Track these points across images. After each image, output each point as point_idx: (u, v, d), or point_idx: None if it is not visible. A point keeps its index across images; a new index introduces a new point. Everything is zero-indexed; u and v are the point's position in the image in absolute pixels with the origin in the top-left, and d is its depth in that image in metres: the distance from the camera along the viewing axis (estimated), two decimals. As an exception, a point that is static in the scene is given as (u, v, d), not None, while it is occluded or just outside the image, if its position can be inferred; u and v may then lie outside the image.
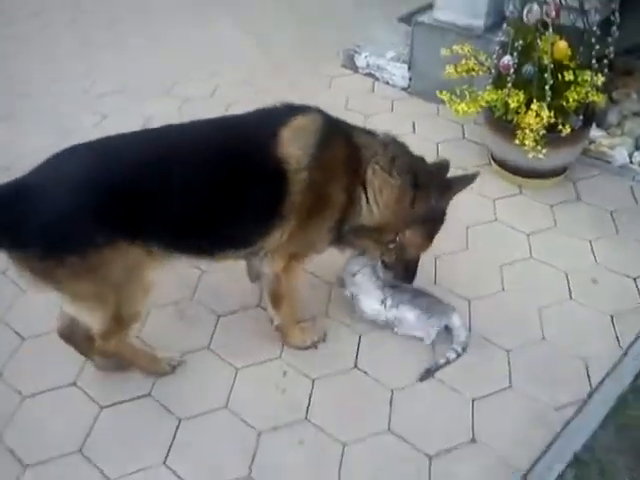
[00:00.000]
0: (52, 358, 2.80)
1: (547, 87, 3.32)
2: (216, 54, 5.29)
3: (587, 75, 3.41)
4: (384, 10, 5.34)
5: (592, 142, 3.91)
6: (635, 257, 3.28)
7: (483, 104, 3.58)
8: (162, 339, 2.90)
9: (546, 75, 3.33)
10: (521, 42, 3.40)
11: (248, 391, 2.72)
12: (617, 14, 3.45)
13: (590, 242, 3.37)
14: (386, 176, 2.57)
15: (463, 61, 3.70)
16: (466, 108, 3.59)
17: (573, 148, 3.65)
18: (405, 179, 2.59)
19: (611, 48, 3.47)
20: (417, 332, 2.85)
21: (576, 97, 3.38)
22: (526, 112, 3.37)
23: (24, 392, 2.71)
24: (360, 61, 4.88)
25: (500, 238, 3.43)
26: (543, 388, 2.67)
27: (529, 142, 3.31)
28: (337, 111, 2.69)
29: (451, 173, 2.73)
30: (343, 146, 2.56)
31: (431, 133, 4.20)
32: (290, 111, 2.55)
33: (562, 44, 3.39)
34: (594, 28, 3.42)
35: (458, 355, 2.79)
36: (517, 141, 3.35)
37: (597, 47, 3.41)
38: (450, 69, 3.71)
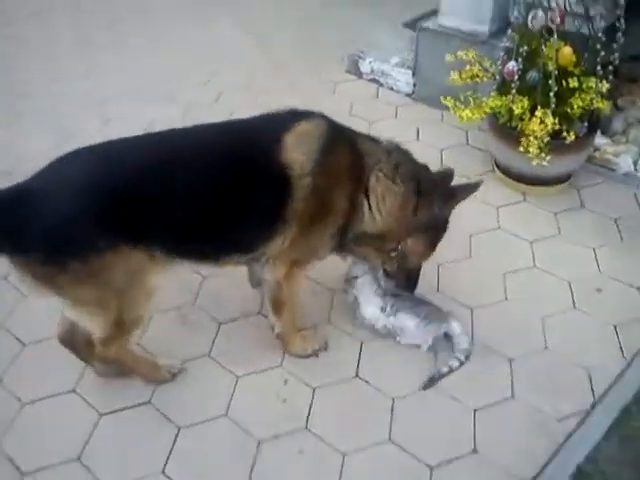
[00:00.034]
0: (52, 364, 2.79)
1: (552, 94, 3.30)
2: (217, 56, 5.29)
3: (592, 82, 3.40)
4: (389, 15, 5.33)
5: (597, 149, 3.89)
6: (639, 266, 3.25)
7: (487, 110, 3.56)
8: (163, 346, 2.88)
9: (551, 81, 3.31)
10: (526, 48, 3.39)
11: (248, 399, 2.70)
12: (622, 20, 3.41)
13: (594, 250, 3.34)
14: (389, 183, 2.56)
15: (467, 67, 3.68)
16: (470, 114, 3.57)
17: (577, 155, 3.63)
18: (408, 186, 2.58)
19: (616, 55, 3.44)
20: (417, 340, 2.83)
21: (581, 104, 3.36)
22: (530, 119, 3.35)
23: (24, 399, 2.70)
24: (364, 67, 4.87)
25: (503, 246, 3.41)
26: (546, 398, 2.64)
27: (533, 149, 3.29)
28: (341, 117, 2.68)
29: (455, 180, 2.71)
30: (347, 152, 2.55)
31: (435, 139, 4.18)
32: (294, 116, 2.54)
33: (567, 50, 3.38)
34: (599, 34, 3.40)
35: (461, 363, 2.77)
36: (521, 148, 3.33)
37: (602, 54, 3.39)
38: (454, 75, 3.69)
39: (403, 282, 2.83)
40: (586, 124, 3.50)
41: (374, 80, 4.83)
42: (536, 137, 3.28)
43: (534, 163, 3.34)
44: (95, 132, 4.18)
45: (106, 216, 2.21)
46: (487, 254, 3.36)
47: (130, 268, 2.33)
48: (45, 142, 4.02)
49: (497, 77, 3.63)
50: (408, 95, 4.67)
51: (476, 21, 4.15)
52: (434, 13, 4.42)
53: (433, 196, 2.58)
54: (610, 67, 3.44)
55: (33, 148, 3.94)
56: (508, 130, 3.53)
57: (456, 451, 2.50)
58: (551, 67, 3.33)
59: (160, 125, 2.60)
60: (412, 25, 4.69)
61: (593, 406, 2.61)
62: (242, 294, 3.12)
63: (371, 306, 2.88)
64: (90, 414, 2.64)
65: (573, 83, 3.38)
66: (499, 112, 3.56)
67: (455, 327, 2.82)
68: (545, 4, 3.36)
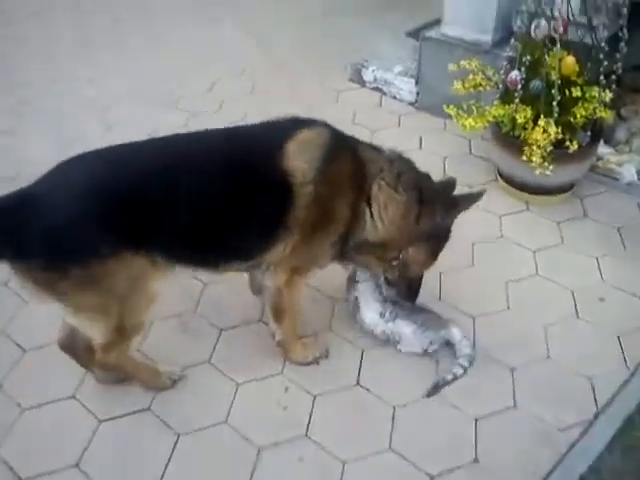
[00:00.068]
0: (52, 370, 2.78)
1: (554, 103, 3.30)
2: (218, 61, 5.32)
3: (595, 91, 3.39)
4: (391, 25, 5.34)
5: (600, 159, 3.88)
6: (642, 275, 3.25)
7: (490, 119, 3.56)
8: (163, 352, 2.87)
9: (554, 91, 3.31)
10: (529, 57, 3.39)
11: (249, 407, 2.69)
12: (625, 30, 3.43)
13: (597, 259, 3.33)
14: (391, 192, 2.55)
15: (470, 76, 3.69)
16: (473, 123, 3.57)
17: (580, 164, 3.62)
18: (411, 195, 2.57)
19: (619, 64, 3.45)
20: (416, 348, 2.82)
21: (584, 113, 3.36)
22: (533, 128, 3.35)
23: (23, 404, 2.68)
24: (367, 75, 4.88)
25: (506, 255, 3.40)
26: (548, 408, 2.62)
27: (536, 158, 3.28)
28: (344, 126, 2.68)
29: (457, 189, 2.70)
30: (349, 161, 2.55)
31: (438, 148, 4.18)
32: (296, 124, 2.54)
33: (570, 60, 3.38)
34: (602, 44, 3.40)
35: (465, 370, 2.75)
36: (524, 157, 3.32)
37: (605, 63, 3.39)
38: (458, 85, 3.70)
39: (404, 291, 2.82)
40: (589, 133, 3.50)
41: (377, 89, 4.84)
42: (539, 146, 3.28)
43: (537, 172, 3.33)
44: (97, 137, 4.20)
45: (109, 221, 2.20)
46: (490, 263, 3.34)
47: (132, 274, 2.32)
48: (47, 147, 4.02)
49: (500, 86, 3.63)
50: (411, 104, 4.68)
51: (479, 31, 4.16)
52: (437, 23, 4.43)
53: (435, 205, 2.58)
54: (613, 77, 3.44)
55: (36, 153, 3.95)
56: (511, 139, 3.53)
57: (457, 460, 2.47)
58: (554, 76, 3.33)
59: (163, 130, 2.60)
60: (415, 34, 4.70)
61: (596, 416, 2.59)
62: (243, 301, 3.11)
63: (370, 311, 2.87)
64: (89, 420, 2.63)
65: (576, 92, 3.37)
66: (502, 121, 3.56)
67: (455, 333, 2.81)
68: (548, 14, 3.37)
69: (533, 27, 3.39)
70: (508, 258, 3.38)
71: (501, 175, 3.83)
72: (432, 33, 4.43)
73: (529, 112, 3.40)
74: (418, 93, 4.64)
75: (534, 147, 3.29)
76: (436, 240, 2.68)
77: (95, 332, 2.44)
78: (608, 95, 3.38)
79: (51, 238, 2.16)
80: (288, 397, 2.72)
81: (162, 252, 2.36)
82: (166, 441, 2.55)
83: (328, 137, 2.52)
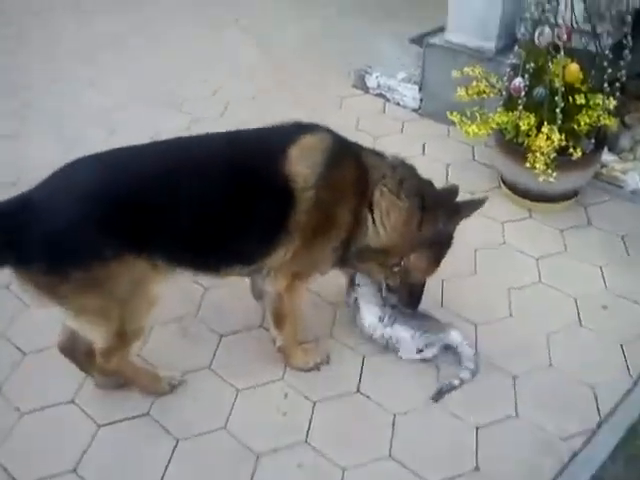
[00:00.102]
0: (52, 374, 2.77)
1: (558, 110, 3.28)
2: (222, 68, 5.32)
3: (599, 98, 3.38)
4: (395, 31, 5.34)
5: (604, 166, 3.86)
6: (647, 284, 3.23)
7: (494, 126, 3.55)
8: (164, 357, 2.86)
9: (557, 98, 3.29)
10: (532, 65, 3.38)
11: (248, 412, 2.67)
12: (629, 38, 3.41)
13: (600, 268, 3.31)
14: (394, 198, 2.55)
15: (474, 83, 3.68)
16: (477, 130, 3.56)
17: (584, 172, 3.60)
18: (413, 201, 2.56)
19: (623, 72, 3.43)
20: (413, 351, 2.80)
21: (587, 120, 3.34)
22: (537, 135, 3.34)
23: (22, 408, 2.67)
24: (371, 82, 4.87)
25: (509, 262, 3.38)
26: (550, 416, 2.60)
27: (540, 165, 3.27)
28: (347, 132, 2.67)
29: (460, 196, 2.69)
30: (351, 166, 2.54)
31: (441, 155, 4.17)
32: (299, 129, 2.54)
33: (574, 67, 3.37)
34: (606, 52, 3.40)
35: (472, 373, 2.73)
36: (528, 164, 3.31)
37: (609, 70, 3.38)
38: (461, 91, 3.68)
39: (406, 298, 2.80)
40: (593, 141, 3.48)
41: (381, 95, 4.83)
42: (542, 153, 3.26)
43: (540, 179, 3.31)
44: (100, 141, 4.16)
45: (111, 224, 2.20)
46: (492, 270, 3.33)
47: (134, 277, 2.32)
48: (49, 151, 4.02)
49: (504, 93, 3.62)
50: (414, 110, 4.67)
51: (483, 38, 4.16)
52: (441, 29, 4.43)
53: (437, 212, 2.57)
54: (617, 84, 3.43)
55: (37, 157, 3.95)
56: (514, 146, 3.52)
57: (458, 469, 2.45)
58: (558, 84, 3.32)
59: (165, 133, 2.59)
60: (419, 41, 4.71)
61: (599, 425, 2.57)
62: (244, 306, 3.09)
63: (370, 315, 2.85)
64: (88, 425, 2.61)
65: (580, 100, 3.36)
66: (505, 128, 3.54)
67: (455, 336, 2.78)
68: (552, 21, 3.36)
69: (537, 34, 3.37)
70: (511, 265, 3.36)
71: (504, 182, 3.82)
72: (436, 40, 4.42)
73: (533, 119, 3.38)
74: (421, 100, 4.63)
75: (537, 154, 3.28)
76: (438, 247, 2.67)
77: (96, 336, 2.44)
78: (612, 103, 3.37)
79: (53, 241, 2.15)
80: (288, 403, 2.70)
81: (164, 256, 2.36)
82: (165, 446, 2.54)
83: (330, 142, 2.52)
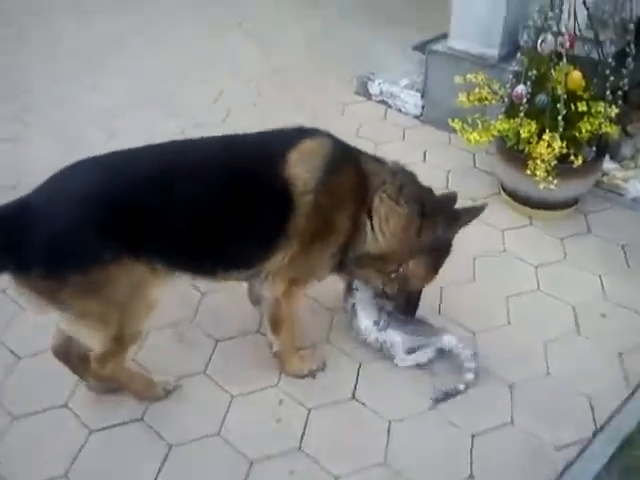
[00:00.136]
0: (46, 378, 2.76)
1: (560, 117, 3.27)
2: (224, 71, 5.34)
3: (601, 106, 3.37)
4: (399, 39, 5.34)
5: (605, 174, 3.85)
6: (646, 293, 3.20)
7: (495, 133, 3.53)
8: (159, 362, 2.84)
9: (559, 105, 3.29)
10: (535, 72, 3.37)
11: (243, 419, 2.65)
12: (632, 46, 3.40)
13: (600, 276, 3.29)
14: (393, 204, 2.54)
15: (476, 90, 3.67)
16: (478, 137, 3.55)
17: (585, 180, 3.59)
18: (412, 208, 2.55)
19: (625, 80, 3.42)
20: (403, 355, 2.79)
21: (589, 128, 3.33)
22: (538, 142, 3.33)
23: (15, 412, 2.66)
24: (373, 88, 4.87)
25: (508, 269, 3.36)
26: (546, 425, 2.58)
27: (540, 172, 3.25)
28: (349, 138, 2.67)
29: (460, 203, 2.68)
30: (351, 172, 2.53)
31: (442, 162, 4.15)
32: (299, 134, 2.54)
33: (576, 74, 3.36)
34: (609, 59, 3.38)
35: (475, 372, 2.70)
36: (528, 171, 3.29)
37: (611, 79, 3.37)
38: (463, 97, 3.68)
39: (403, 306, 2.78)
40: (594, 149, 3.47)
41: (383, 102, 4.83)
42: (543, 160, 3.25)
43: (541, 187, 3.30)
44: (100, 145, 4.18)
45: (110, 227, 2.20)
46: (491, 277, 3.31)
47: (133, 281, 2.31)
48: (49, 154, 4.01)
49: (505, 100, 3.61)
50: (416, 117, 4.66)
51: (486, 45, 4.15)
52: (444, 36, 4.43)
53: (437, 218, 2.55)
54: (619, 92, 3.42)
55: (37, 161, 3.95)
56: (515, 153, 3.50)
57: (453, 476, 2.44)
58: (560, 91, 3.31)
59: (166, 137, 2.58)
60: (421, 48, 4.71)
61: (594, 435, 2.54)
62: (241, 312, 3.08)
63: (366, 319, 2.84)
64: (81, 430, 2.60)
65: (582, 107, 3.35)
66: (507, 135, 3.53)
67: (448, 340, 2.75)
68: (555, 29, 3.35)
69: (540, 42, 3.37)
70: (510, 273, 3.34)
71: (505, 189, 3.80)
72: (439, 47, 4.42)
73: (534, 126, 3.37)
74: (423, 107, 4.62)
75: (538, 161, 3.26)
76: (437, 254, 2.65)
77: (93, 341, 2.43)
78: (614, 111, 3.36)
79: (51, 246, 2.14)
80: (283, 410, 2.68)
81: (162, 259, 2.35)
82: (158, 452, 2.52)
83: (331, 147, 2.51)
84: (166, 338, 2.98)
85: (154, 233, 2.30)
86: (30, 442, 2.57)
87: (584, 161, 3.35)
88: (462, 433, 2.57)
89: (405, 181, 2.60)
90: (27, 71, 5.28)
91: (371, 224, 2.55)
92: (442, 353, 2.78)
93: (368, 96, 4.90)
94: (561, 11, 3.35)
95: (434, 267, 2.68)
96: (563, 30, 3.35)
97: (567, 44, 3.33)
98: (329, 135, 2.58)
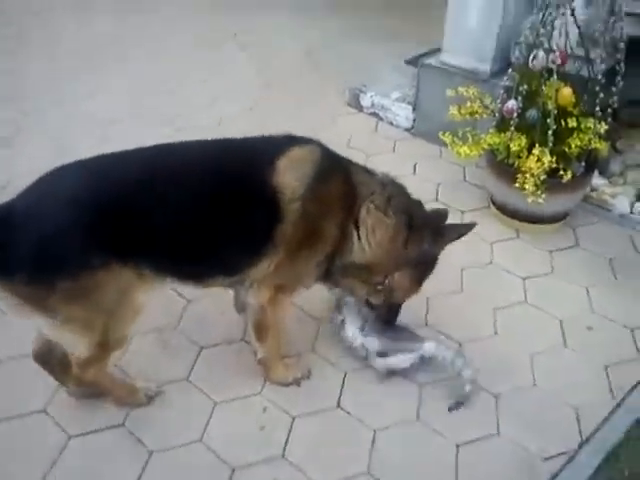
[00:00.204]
0: (24, 382, 2.72)
1: (550, 132, 3.29)
2: (219, 80, 5.38)
3: (590, 122, 3.39)
4: (392, 53, 5.38)
5: (594, 190, 3.87)
6: (632, 307, 3.19)
7: (485, 147, 3.55)
8: (142, 368, 2.81)
9: (549, 120, 3.30)
10: (526, 87, 3.40)
11: (225, 426, 2.62)
12: (622, 65, 3.44)
13: (587, 289, 3.29)
14: (380, 215, 2.52)
15: (468, 103, 3.68)
16: (468, 151, 3.56)
17: (573, 195, 3.60)
18: (400, 219, 2.53)
19: (615, 98, 3.45)
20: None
21: (579, 143, 3.35)
22: (528, 156, 3.34)
23: (-7, 417, 2.62)
24: (365, 100, 4.90)
25: (495, 282, 3.36)
26: (532, 436, 2.56)
27: (529, 186, 3.26)
28: (339, 149, 2.65)
29: (449, 215, 2.68)
30: (339, 181, 2.52)
31: (432, 174, 4.16)
32: (289, 141, 2.52)
33: (566, 91, 3.38)
34: (599, 77, 3.41)
35: (469, 365, 2.68)
36: (517, 184, 3.30)
37: (601, 96, 3.39)
38: (454, 110, 3.69)
39: (384, 315, 2.76)
40: (583, 164, 3.48)
41: (374, 114, 4.86)
42: (533, 174, 3.26)
43: (530, 200, 3.31)
44: (93, 148, 4.16)
45: (98, 232, 2.17)
46: (479, 289, 3.30)
47: (120, 287, 2.28)
48: (43, 155, 4.01)
49: (496, 114, 3.63)
50: (407, 130, 4.69)
51: (478, 60, 4.18)
52: (437, 51, 4.45)
53: (424, 232, 2.54)
54: (609, 110, 3.44)
55: (29, 163, 3.91)
56: (505, 167, 3.51)
57: (437, 487, 2.41)
58: (550, 106, 3.32)
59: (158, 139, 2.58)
60: (414, 62, 4.74)
61: (580, 446, 2.53)
62: (226, 320, 3.06)
63: (352, 326, 2.82)
64: (60, 435, 2.55)
65: (572, 123, 3.37)
66: (497, 149, 3.54)
67: (428, 347, 2.72)
68: (546, 45, 3.37)
69: (531, 58, 3.40)
70: (497, 285, 3.34)
71: (494, 202, 3.81)
72: (431, 60, 4.45)
73: (524, 141, 3.39)
74: (414, 119, 4.65)
75: (527, 175, 3.27)
76: (423, 267, 2.64)
77: (77, 346, 2.38)
78: (603, 127, 3.38)
79: (38, 250, 2.11)
80: (266, 417, 2.65)
81: (149, 264, 2.32)
82: (139, 458, 2.48)
83: (320, 155, 2.50)
84: (150, 344, 2.95)
85: (141, 238, 2.27)
86: (8, 447, 2.52)
87: (573, 176, 3.36)
88: (448, 443, 2.55)
89: (394, 193, 2.58)
90: (26, 71, 5.29)
91: (358, 234, 2.53)
92: (424, 361, 2.74)
93: (360, 108, 4.93)
94: (553, 28, 3.38)
95: (419, 280, 2.66)
96: (554, 47, 3.37)
97: (558, 61, 3.35)
98: (318, 143, 2.57)
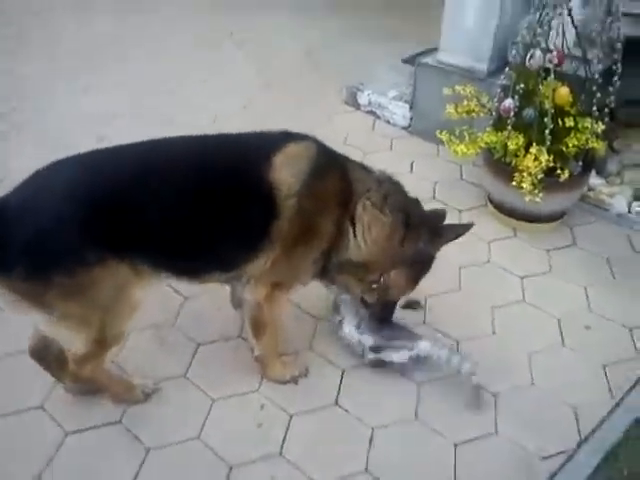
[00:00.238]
0: (21, 379, 2.70)
1: (547, 131, 3.29)
2: (216, 79, 5.36)
3: (588, 122, 3.39)
4: (389, 52, 5.37)
5: (591, 189, 3.88)
6: (630, 306, 3.19)
7: (482, 145, 3.55)
8: (139, 364, 2.80)
9: (546, 119, 3.30)
10: (522, 86, 3.39)
11: (223, 423, 2.61)
12: (619, 65, 3.44)
13: (585, 288, 3.30)
14: (377, 212, 2.51)
15: (465, 102, 3.68)
16: (465, 149, 3.56)
17: (570, 194, 3.61)
18: (396, 217, 2.52)
19: (612, 97, 3.46)
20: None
21: (576, 143, 3.35)
22: (525, 155, 3.33)
23: (-11, 413, 2.60)
24: (362, 99, 4.89)
25: (493, 280, 3.36)
26: (530, 435, 2.56)
27: (526, 185, 3.26)
28: (336, 146, 2.64)
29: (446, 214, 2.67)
30: (335, 177, 2.50)
31: (429, 173, 4.16)
32: (286, 137, 2.51)
33: (563, 90, 3.38)
34: (596, 77, 3.41)
35: (464, 358, 2.66)
36: (514, 183, 3.30)
37: (598, 95, 3.39)
38: (451, 108, 3.69)
39: (379, 314, 2.76)
40: (580, 163, 3.48)
41: (371, 112, 4.85)
42: (530, 173, 3.26)
43: (527, 199, 3.31)
44: (89, 146, 4.15)
45: (94, 227, 2.15)
46: (477, 287, 3.30)
47: (117, 283, 2.27)
48: (39, 153, 3.94)
49: (493, 113, 3.63)
50: (404, 128, 4.68)
51: (475, 59, 4.18)
52: (434, 50, 4.45)
53: (421, 230, 2.53)
54: (606, 109, 3.44)
55: (26, 159, 3.89)
56: (502, 165, 3.51)
57: (435, 486, 2.40)
58: (547, 105, 3.32)
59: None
60: (411, 60, 4.74)
61: (579, 445, 2.53)
62: (223, 316, 3.04)
63: (350, 324, 2.81)
64: (56, 432, 2.54)
65: (569, 122, 3.37)
66: (494, 147, 3.54)
67: (423, 346, 2.69)
68: (543, 45, 3.37)
69: (528, 57, 3.39)
70: (495, 284, 3.34)
71: (491, 201, 3.81)
72: (428, 59, 4.45)
73: (521, 139, 3.39)
74: (412, 118, 4.65)
75: (525, 174, 3.27)
76: (419, 266, 2.62)
77: (74, 342, 2.37)
78: (600, 127, 3.38)
79: (35, 245, 2.09)
80: (264, 415, 2.64)
81: (146, 260, 2.31)
82: (136, 455, 2.47)
83: (316, 152, 2.48)
84: (147, 341, 2.93)
85: (136, 233, 2.25)
86: (5, 443, 2.50)
87: (571, 175, 3.36)
88: (446, 442, 2.55)
89: (391, 190, 2.57)
90: (26, 71, 5.26)
91: (354, 231, 2.52)
92: (419, 360, 2.72)
93: (357, 106, 4.92)
94: (550, 28, 3.38)
95: (414, 279, 2.65)
96: (551, 47, 3.37)
97: (555, 60, 3.35)
98: (314, 140, 2.56)
